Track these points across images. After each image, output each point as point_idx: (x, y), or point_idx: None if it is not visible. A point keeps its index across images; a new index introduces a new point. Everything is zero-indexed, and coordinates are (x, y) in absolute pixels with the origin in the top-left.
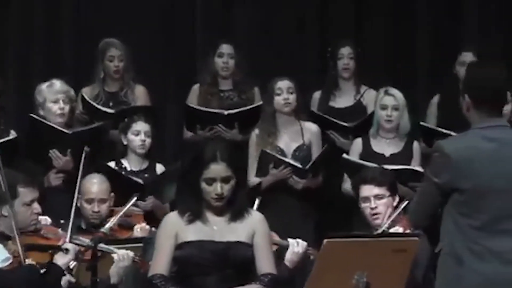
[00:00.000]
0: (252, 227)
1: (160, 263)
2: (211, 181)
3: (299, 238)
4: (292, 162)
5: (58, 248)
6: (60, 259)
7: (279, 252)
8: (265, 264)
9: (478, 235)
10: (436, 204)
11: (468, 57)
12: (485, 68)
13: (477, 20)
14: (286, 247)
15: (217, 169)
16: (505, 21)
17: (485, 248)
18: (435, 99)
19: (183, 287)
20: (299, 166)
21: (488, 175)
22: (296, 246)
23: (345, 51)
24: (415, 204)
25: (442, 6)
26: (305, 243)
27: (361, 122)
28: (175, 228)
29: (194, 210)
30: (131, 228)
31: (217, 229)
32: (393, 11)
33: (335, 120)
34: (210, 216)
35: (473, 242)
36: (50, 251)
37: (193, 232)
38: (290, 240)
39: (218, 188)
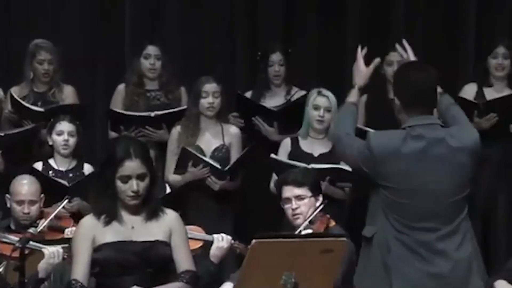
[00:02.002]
0: (168, 226)
1: (79, 268)
2: (126, 178)
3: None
4: (212, 162)
5: None
6: None
7: (205, 248)
8: (184, 262)
9: (404, 230)
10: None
11: (395, 57)
12: (413, 72)
13: (404, 20)
14: (210, 242)
15: (132, 166)
16: (431, 22)
17: (412, 241)
18: (363, 98)
19: None
20: (218, 167)
21: (413, 175)
22: (220, 241)
23: (276, 57)
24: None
25: (371, 6)
26: (229, 238)
27: (286, 106)
28: (92, 231)
29: (110, 210)
30: (61, 230)
31: (134, 228)
32: (322, 10)
33: (261, 104)
34: (126, 215)
35: (401, 233)
36: None
37: (111, 234)
38: (215, 235)
39: (134, 185)
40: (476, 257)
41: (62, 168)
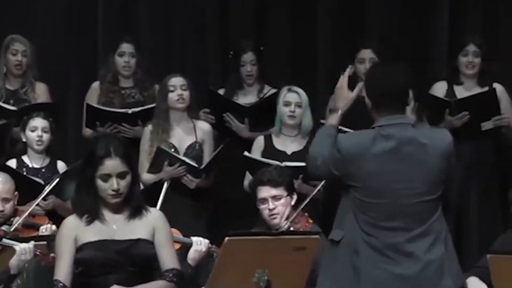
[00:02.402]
0: (151, 224)
1: (61, 268)
2: (106, 177)
3: (193, 236)
4: (188, 161)
5: None
6: None
7: (183, 250)
8: (168, 260)
9: (372, 232)
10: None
11: (366, 54)
12: (383, 71)
13: (376, 17)
14: (189, 245)
15: (112, 164)
16: (403, 19)
17: (380, 243)
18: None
19: None
20: (195, 165)
21: (383, 174)
22: (199, 245)
23: (248, 57)
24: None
25: (342, 3)
26: (207, 241)
27: (258, 102)
28: (74, 231)
29: (92, 209)
30: (35, 228)
31: (117, 227)
32: (293, 8)
33: (232, 100)
34: (108, 214)
35: (369, 236)
36: None
37: (93, 233)
38: (193, 238)
39: (114, 184)
40: (449, 258)
41: (36, 165)
